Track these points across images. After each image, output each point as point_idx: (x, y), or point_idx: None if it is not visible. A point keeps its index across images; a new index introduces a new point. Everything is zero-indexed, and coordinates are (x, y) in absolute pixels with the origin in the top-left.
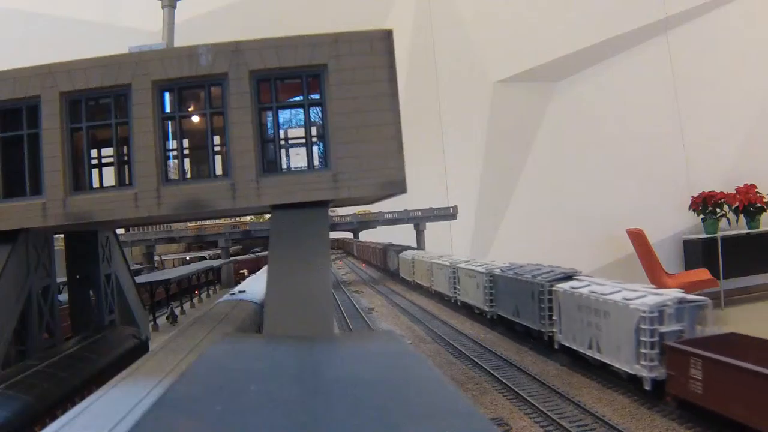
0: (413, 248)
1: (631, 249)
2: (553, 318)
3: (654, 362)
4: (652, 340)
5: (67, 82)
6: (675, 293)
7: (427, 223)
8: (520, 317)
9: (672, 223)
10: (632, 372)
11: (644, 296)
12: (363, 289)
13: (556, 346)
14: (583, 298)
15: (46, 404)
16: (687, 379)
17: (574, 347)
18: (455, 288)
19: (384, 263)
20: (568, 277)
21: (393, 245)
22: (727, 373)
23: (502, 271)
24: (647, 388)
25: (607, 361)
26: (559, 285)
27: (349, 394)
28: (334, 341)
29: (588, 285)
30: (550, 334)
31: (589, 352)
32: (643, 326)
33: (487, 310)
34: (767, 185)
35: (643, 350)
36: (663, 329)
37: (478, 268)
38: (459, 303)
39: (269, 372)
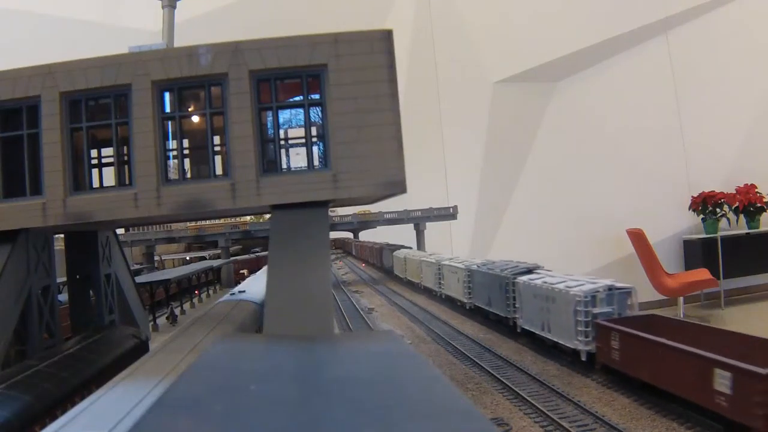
0: (407, 247)
1: (631, 249)
2: (516, 306)
3: (588, 338)
4: (586, 320)
5: (67, 82)
6: (606, 282)
7: (427, 223)
8: (491, 306)
9: (672, 223)
10: (572, 347)
11: (582, 285)
12: (363, 289)
13: (518, 330)
14: (537, 288)
15: (46, 404)
16: (609, 350)
17: (532, 329)
18: (440, 283)
19: (380, 261)
20: (530, 271)
21: (388, 244)
22: (636, 344)
23: (478, 266)
24: (583, 359)
25: (555, 339)
26: (520, 277)
27: (349, 394)
28: (334, 341)
29: (542, 277)
30: (514, 320)
31: (542, 333)
32: (579, 309)
33: (465, 301)
34: (767, 185)
35: (580, 328)
36: (595, 311)
37: (459, 265)
38: (443, 296)
39: (269, 372)
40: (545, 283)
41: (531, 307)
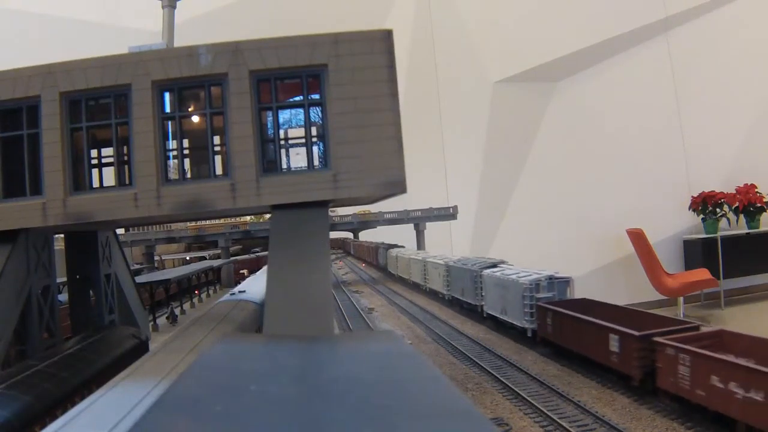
0: (400, 246)
1: (631, 249)
2: (482, 294)
3: (532, 318)
4: (531, 303)
5: (67, 82)
6: (548, 272)
7: (427, 223)
8: (464, 296)
9: (672, 223)
10: (521, 325)
11: (530, 275)
12: (363, 289)
13: (484, 315)
14: (497, 279)
15: (46, 404)
16: (546, 326)
17: (493, 314)
18: (425, 278)
19: (376, 260)
20: (494, 265)
21: (384, 244)
22: (562, 320)
23: (454, 262)
24: (529, 335)
25: (509, 320)
26: (485, 270)
27: (349, 393)
28: (334, 341)
29: (503, 270)
30: (481, 306)
31: (501, 316)
32: (526, 294)
33: (445, 293)
34: (767, 185)
35: (526, 310)
36: (539, 296)
37: (439, 261)
38: (428, 290)
39: (269, 372)
40: (503, 274)
41: (493, 295)
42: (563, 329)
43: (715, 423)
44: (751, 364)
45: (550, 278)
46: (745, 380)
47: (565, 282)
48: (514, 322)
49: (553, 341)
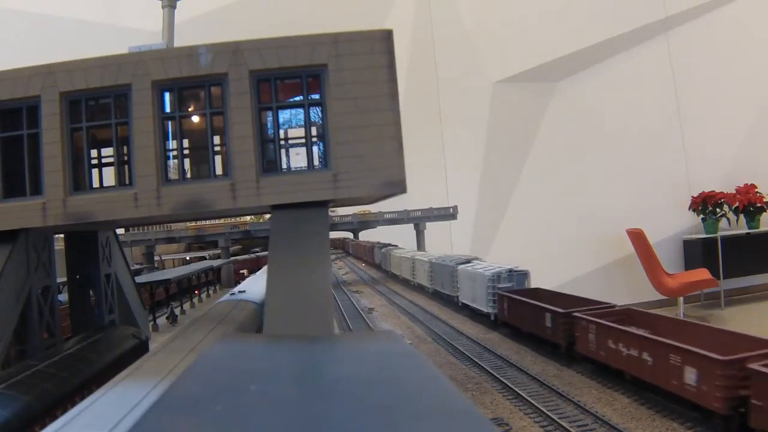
0: (393, 245)
1: (631, 249)
2: (458, 286)
3: (495, 304)
4: (493, 292)
5: (67, 82)
6: (509, 266)
7: (427, 223)
8: (444, 288)
9: (672, 223)
10: (486, 311)
11: (493, 269)
12: (363, 289)
13: (459, 304)
14: (468, 272)
15: (46, 404)
16: (503, 310)
17: (466, 302)
18: (413, 274)
19: (372, 258)
20: (468, 261)
21: (379, 243)
22: (515, 304)
23: (436, 260)
24: (492, 318)
25: (478, 307)
26: (460, 266)
27: (349, 393)
28: (334, 341)
29: (473, 265)
30: (457, 297)
31: (472, 304)
32: (489, 284)
33: (428, 286)
34: (767, 185)
35: (489, 298)
36: (500, 286)
37: (424, 259)
38: (415, 284)
39: (269, 372)
40: (473, 268)
41: (465, 287)
42: (515, 312)
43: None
44: (632, 329)
45: (510, 271)
46: (628, 342)
47: (524, 274)
48: (481, 308)
49: (508, 322)
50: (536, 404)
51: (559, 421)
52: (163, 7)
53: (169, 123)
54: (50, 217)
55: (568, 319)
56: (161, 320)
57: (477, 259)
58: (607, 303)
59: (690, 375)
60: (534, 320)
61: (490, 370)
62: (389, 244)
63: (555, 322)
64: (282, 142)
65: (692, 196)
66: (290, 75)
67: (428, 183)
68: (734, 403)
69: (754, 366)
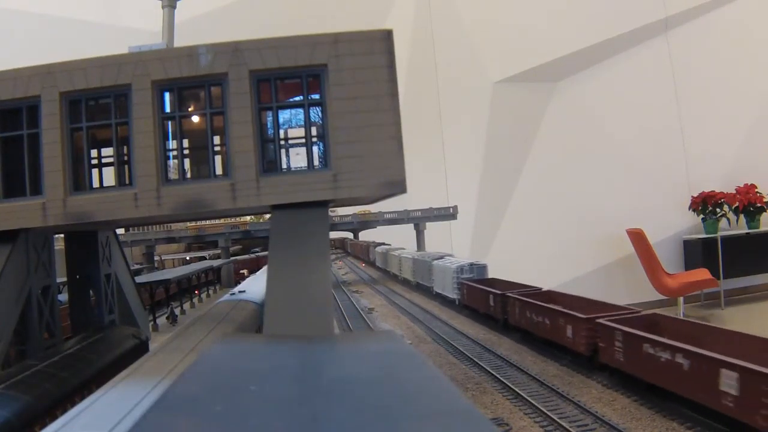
0: (386, 245)
1: (631, 249)
2: (433, 278)
3: (459, 291)
4: (458, 281)
5: (67, 82)
6: (470, 259)
7: (427, 223)
8: (423, 280)
9: (672, 223)
10: (452, 296)
11: (458, 263)
12: (363, 289)
13: (433, 293)
14: (439, 266)
15: (46, 404)
16: (464, 295)
17: (439, 291)
18: (400, 269)
19: (368, 256)
20: (442, 257)
21: (373, 242)
22: (472, 290)
23: (418, 257)
24: (456, 303)
25: (446, 294)
26: (434, 261)
27: (349, 393)
28: (334, 341)
29: (444, 260)
30: (432, 287)
31: (443, 292)
32: (454, 275)
33: (411, 279)
34: (767, 185)
35: (455, 286)
36: (462, 276)
37: (408, 256)
38: (401, 278)
39: (269, 372)
40: (443, 263)
41: (439, 278)
42: (471, 296)
43: (717, 427)
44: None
45: (471, 264)
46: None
47: (483, 267)
48: (448, 295)
49: (466, 304)
50: (536, 404)
51: (559, 421)
52: (163, 7)
53: (169, 123)
54: (50, 217)
55: (503, 299)
56: (161, 320)
57: (450, 255)
58: (534, 287)
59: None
60: (481, 301)
61: (490, 370)
62: (382, 243)
63: (495, 300)
64: (282, 142)
65: (692, 196)
66: (290, 75)
67: (428, 183)
68: None
69: None
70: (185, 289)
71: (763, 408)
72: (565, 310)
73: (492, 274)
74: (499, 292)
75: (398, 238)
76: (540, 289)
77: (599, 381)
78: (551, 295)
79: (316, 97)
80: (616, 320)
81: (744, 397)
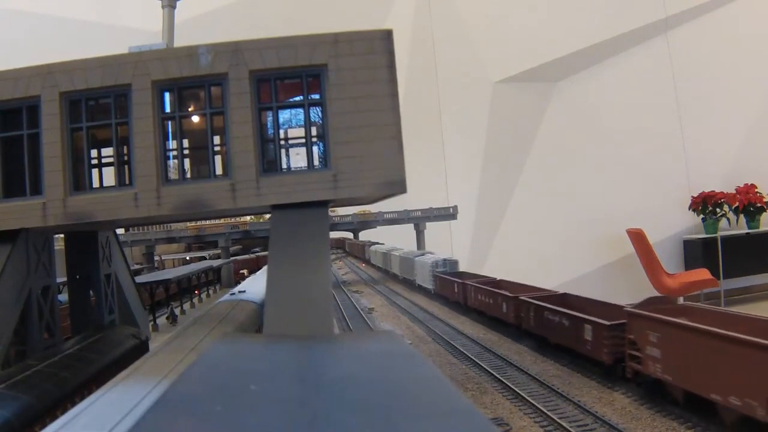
0: (380, 243)
1: (632, 249)
2: (415, 273)
3: (434, 283)
4: (434, 275)
5: (67, 82)
6: (444, 256)
7: (427, 223)
8: (408, 275)
9: (672, 223)
10: (429, 287)
11: (435, 258)
12: (363, 289)
13: (416, 285)
14: (420, 262)
15: (46, 404)
16: (438, 286)
17: (420, 283)
18: (390, 266)
19: (363, 255)
20: (423, 254)
21: (369, 242)
22: (443, 281)
23: (403, 254)
24: (432, 293)
25: (425, 285)
26: (416, 258)
27: (349, 393)
28: (334, 341)
29: (425, 257)
30: (414, 279)
31: (422, 284)
32: (430, 269)
33: (399, 274)
34: (767, 185)
35: (431, 279)
36: (438, 270)
37: (396, 254)
38: (390, 273)
39: (269, 372)
40: (423, 259)
41: (420, 272)
42: (444, 287)
43: (716, 427)
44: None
45: (445, 260)
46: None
47: (455, 262)
48: (426, 286)
49: (439, 294)
50: (536, 404)
51: (559, 421)
52: (163, 7)
53: (169, 123)
54: (50, 217)
55: (464, 287)
56: (161, 320)
57: (430, 252)
58: (482, 274)
59: None
60: (451, 291)
61: (490, 370)
62: (376, 242)
63: (461, 289)
64: (282, 142)
65: (692, 196)
66: (290, 75)
67: (428, 183)
68: None
69: None
70: (185, 289)
71: (605, 348)
72: (501, 291)
73: (492, 274)
74: (460, 281)
75: (398, 238)
76: (495, 279)
77: (599, 381)
78: (500, 284)
79: (316, 97)
80: (535, 296)
81: (594, 341)
